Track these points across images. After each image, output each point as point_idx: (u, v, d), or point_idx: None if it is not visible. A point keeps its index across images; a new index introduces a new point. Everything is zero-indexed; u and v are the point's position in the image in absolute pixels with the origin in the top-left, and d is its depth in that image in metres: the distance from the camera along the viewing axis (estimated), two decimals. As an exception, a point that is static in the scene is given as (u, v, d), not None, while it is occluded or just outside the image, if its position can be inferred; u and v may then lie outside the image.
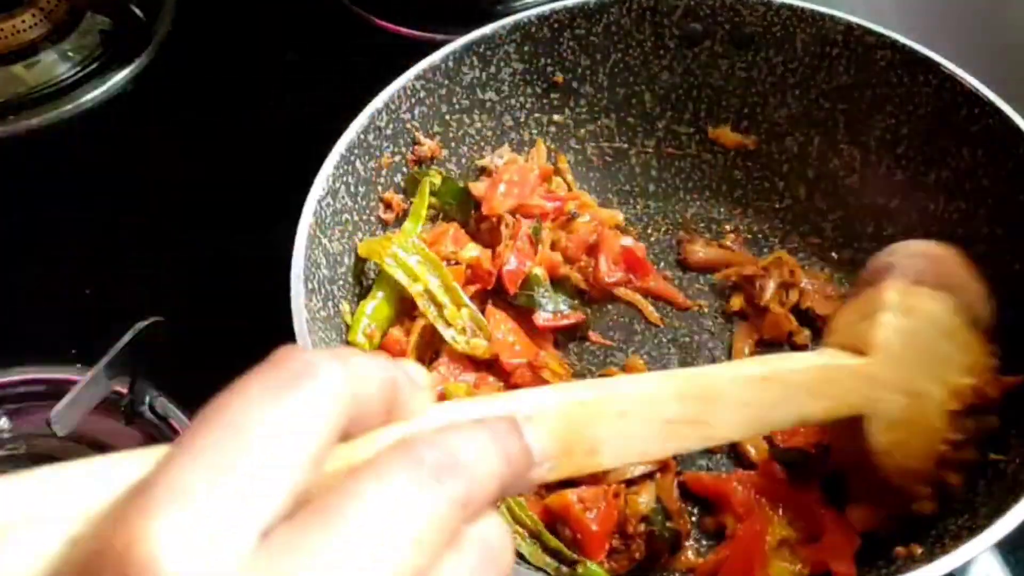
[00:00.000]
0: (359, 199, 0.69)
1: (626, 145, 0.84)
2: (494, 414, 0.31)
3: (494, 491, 0.29)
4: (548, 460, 0.32)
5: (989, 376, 0.57)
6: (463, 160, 0.78)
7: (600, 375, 0.70)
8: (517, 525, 0.60)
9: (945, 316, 0.56)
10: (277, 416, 0.26)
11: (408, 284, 0.66)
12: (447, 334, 0.66)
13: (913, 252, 0.59)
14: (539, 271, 0.71)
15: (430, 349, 0.67)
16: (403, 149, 0.73)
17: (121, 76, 0.96)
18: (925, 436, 0.55)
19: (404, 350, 0.66)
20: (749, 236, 0.81)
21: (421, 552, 0.26)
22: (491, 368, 0.67)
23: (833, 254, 0.79)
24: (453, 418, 0.31)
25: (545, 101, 0.80)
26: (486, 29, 0.75)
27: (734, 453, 0.67)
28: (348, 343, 0.64)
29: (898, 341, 0.52)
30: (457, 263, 0.70)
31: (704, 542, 0.64)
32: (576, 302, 0.73)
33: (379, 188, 0.72)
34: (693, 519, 0.64)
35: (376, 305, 0.66)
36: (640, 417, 0.39)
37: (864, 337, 0.52)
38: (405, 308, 0.68)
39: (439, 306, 0.66)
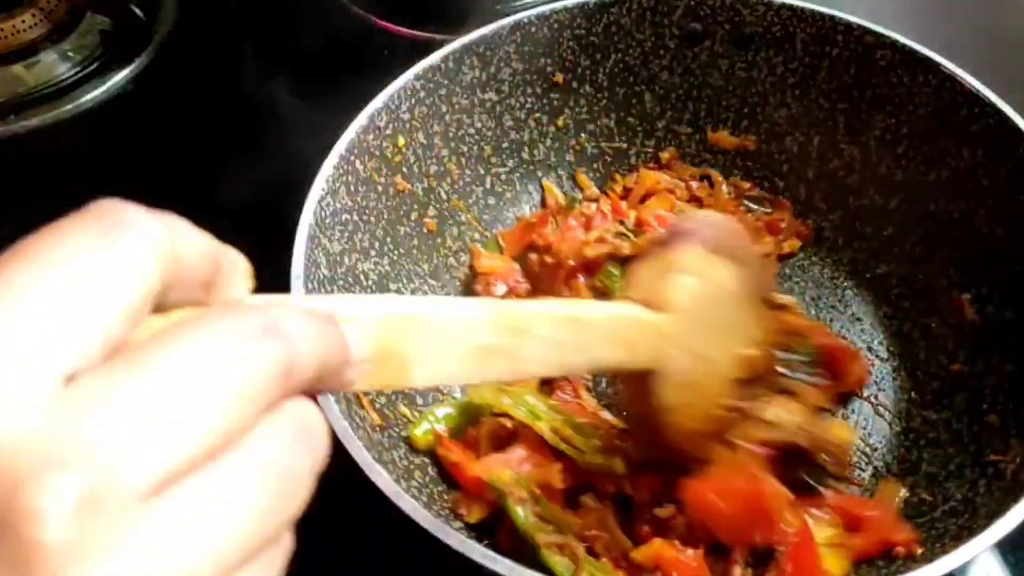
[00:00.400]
0: (359, 199, 0.69)
1: (626, 145, 0.84)
2: (315, 308, 0.31)
3: (313, 371, 0.28)
4: (363, 363, 0.33)
5: (767, 350, 0.61)
6: (463, 160, 0.78)
7: None
8: None
9: (735, 286, 0.58)
10: (93, 259, 0.25)
11: (531, 421, 0.63)
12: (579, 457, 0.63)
13: (711, 222, 0.60)
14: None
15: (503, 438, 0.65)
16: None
17: (121, 76, 0.96)
18: (706, 399, 0.57)
19: (477, 441, 0.64)
20: (749, 236, 0.80)
21: (237, 408, 0.25)
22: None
23: (833, 254, 0.79)
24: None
25: (545, 101, 0.81)
26: (486, 29, 0.75)
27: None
28: (406, 439, 0.63)
29: (691, 303, 0.54)
30: None
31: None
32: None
33: (379, 188, 0.72)
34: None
35: (447, 414, 0.65)
36: (455, 339, 0.40)
37: (661, 295, 0.53)
38: (473, 417, 0.66)
39: (569, 441, 0.63)
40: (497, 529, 0.61)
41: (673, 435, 0.56)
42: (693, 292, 0.54)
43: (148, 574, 0.23)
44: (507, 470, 0.61)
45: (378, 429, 0.61)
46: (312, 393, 0.29)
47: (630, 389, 0.56)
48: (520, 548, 0.59)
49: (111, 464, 0.23)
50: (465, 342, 0.40)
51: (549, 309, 0.47)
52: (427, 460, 0.64)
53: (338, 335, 0.30)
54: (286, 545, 0.28)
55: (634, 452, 0.61)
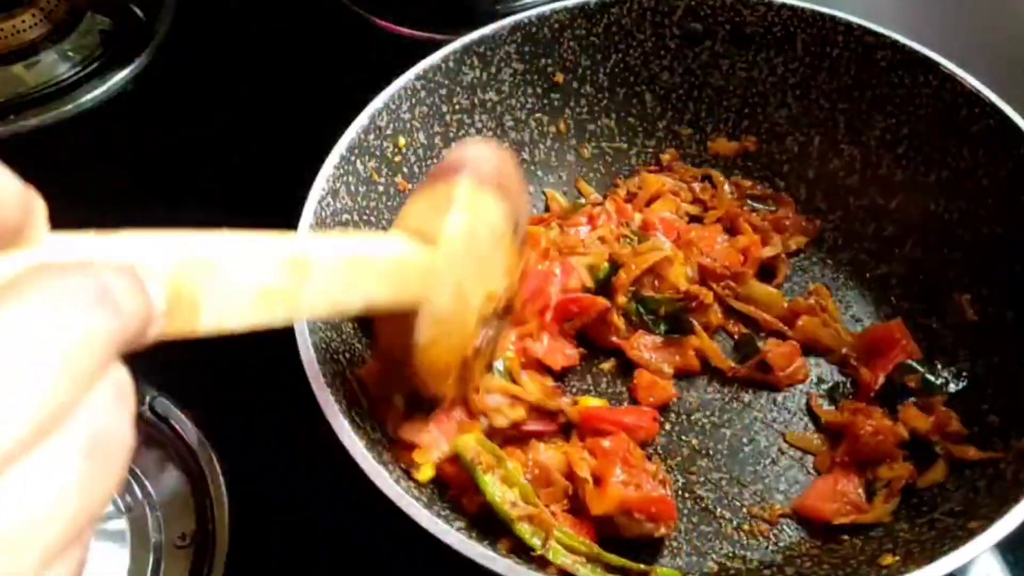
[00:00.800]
0: (359, 199, 0.69)
1: (626, 145, 0.84)
2: (116, 257, 0.30)
3: (132, 334, 0.27)
4: (162, 316, 0.32)
5: (514, 283, 0.60)
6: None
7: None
8: (573, 555, 0.58)
9: (500, 221, 0.56)
10: None
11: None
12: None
13: (483, 153, 0.58)
14: None
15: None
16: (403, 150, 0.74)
17: (121, 76, 0.96)
18: (458, 336, 0.56)
19: None
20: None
21: (70, 383, 0.24)
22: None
23: (833, 254, 0.79)
24: (77, 250, 0.30)
25: (545, 101, 0.81)
26: (486, 29, 0.75)
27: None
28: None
29: (460, 239, 0.53)
30: None
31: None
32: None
33: (379, 188, 0.72)
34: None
35: None
36: (242, 281, 0.39)
37: (433, 230, 0.52)
38: None
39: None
40: (456, 490, 0.61)
41: (421, 370, 0.55)
42: (464, 228, 0.54)
43: None
44: (471, 434, 0.61)
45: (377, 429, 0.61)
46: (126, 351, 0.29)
47: (388, 325, 0.55)
48: (488, 512, 0.60)
49: None
50: (252, 284, 0.39)
51: (332, 251, 0.46)
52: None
53: (147, 295, 0.29)
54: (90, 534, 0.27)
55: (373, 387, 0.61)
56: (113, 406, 0.26)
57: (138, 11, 0.98)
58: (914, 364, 0.69)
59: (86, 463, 0.25)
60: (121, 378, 0.27)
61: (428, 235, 0.52)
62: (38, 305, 0.24)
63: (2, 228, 0.27)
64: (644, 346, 0.72)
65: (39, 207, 0.29)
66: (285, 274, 0.41)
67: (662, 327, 0.72)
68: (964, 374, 0.68)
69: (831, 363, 0.72)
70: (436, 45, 0.74)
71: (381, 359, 0.61)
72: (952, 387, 0.68)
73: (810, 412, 0.70)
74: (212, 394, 0.73)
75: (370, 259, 0.48)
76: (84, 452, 0.25)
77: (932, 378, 0.68)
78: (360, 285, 0.47)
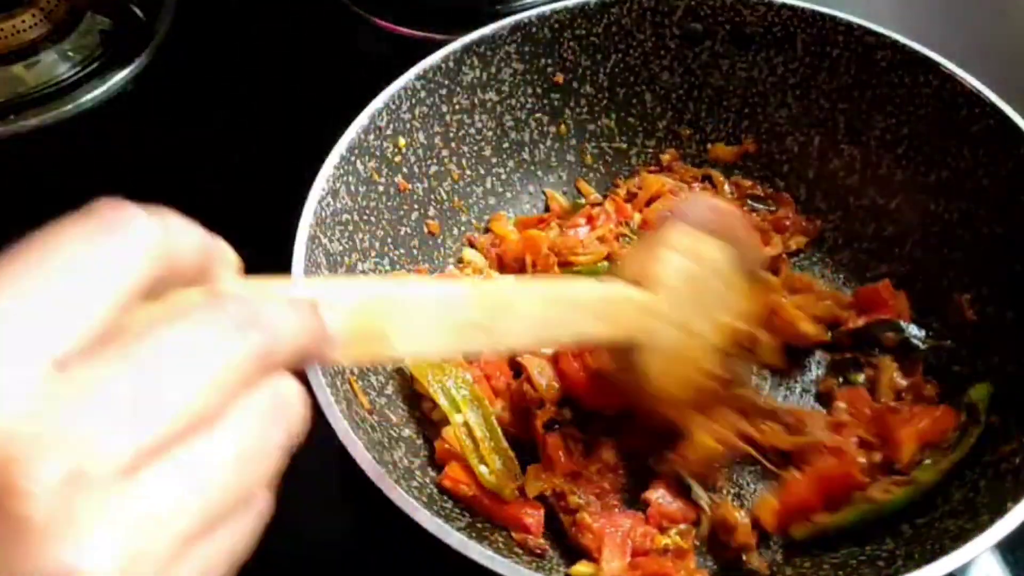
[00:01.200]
0: (359, 199, 0.69)
1: (626, 145, 0.84)
2: (296, 295, 0.35)
3: (292, 353, 0.32)
4: (342, 340, 0.36)
5: (755, 322, 0.63)
6: (463, 160, 0.78)
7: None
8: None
9: (724, 264, 0.60)
10: (85, 254, 0.28)
11: (449, 413, 0.64)
12: (480, 469, 0.63)
13: (703, 204, 0.63)
14: None
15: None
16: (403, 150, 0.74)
17: (121, 76, 0.96)
18: (690, 368, 0.59)
19: None
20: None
21: (214, 392, 0.28)
22: None
23: (833, 254, 0.79)
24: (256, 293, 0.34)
25: (545, 101, 0.81)
26: (486, 29, 0.75)
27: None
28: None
29: (679, 279, 0.57)
30: None
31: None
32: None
33: (379, 188, 0.72)
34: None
35: None
36: (434, 316, 0.43)
37: (648, 272, 0.56)
38: None
39: (476, 441, 0.64)
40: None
41: (655, 401, 0.59)
42: (679, 269, 0.57)
43: (125, 540, 0.26)
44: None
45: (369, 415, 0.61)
46: (298, 368, 0.33)
47: (616, 357, 0.58)
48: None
49: (91, 445, 0.26)
50: (443, 318, 0.43)
51: (533, 289, 0.50)
52: (427, 460, 0.64)
53: (316, 320, 0.34)
54: (261, 507, 0.32)
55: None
56: (260, 417, 0.30)
57: (138, 11, 0.98)
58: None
59: (222, 464, 0.29)
60: (280, 393, 0.31)
61: (645, 279, 0.55)
62: (189, 327, 0.29)
63: (182, 272, 0.31)
64: None
65: (225, 258, 0.34)
66: (481, 311, 0.45)
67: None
68: (965, 374, 0.68)
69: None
70: (436, 45, 0.74)
71: (618, 383, 0.63)
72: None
73: (818, 398, 0.70)
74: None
75: (580, 298, 0.52)
76: (220, 455, 0.29)
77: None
78: (567, 321, 0.50)
